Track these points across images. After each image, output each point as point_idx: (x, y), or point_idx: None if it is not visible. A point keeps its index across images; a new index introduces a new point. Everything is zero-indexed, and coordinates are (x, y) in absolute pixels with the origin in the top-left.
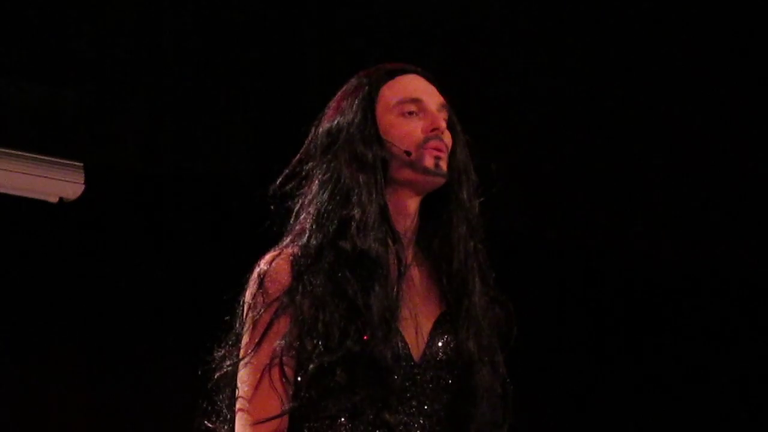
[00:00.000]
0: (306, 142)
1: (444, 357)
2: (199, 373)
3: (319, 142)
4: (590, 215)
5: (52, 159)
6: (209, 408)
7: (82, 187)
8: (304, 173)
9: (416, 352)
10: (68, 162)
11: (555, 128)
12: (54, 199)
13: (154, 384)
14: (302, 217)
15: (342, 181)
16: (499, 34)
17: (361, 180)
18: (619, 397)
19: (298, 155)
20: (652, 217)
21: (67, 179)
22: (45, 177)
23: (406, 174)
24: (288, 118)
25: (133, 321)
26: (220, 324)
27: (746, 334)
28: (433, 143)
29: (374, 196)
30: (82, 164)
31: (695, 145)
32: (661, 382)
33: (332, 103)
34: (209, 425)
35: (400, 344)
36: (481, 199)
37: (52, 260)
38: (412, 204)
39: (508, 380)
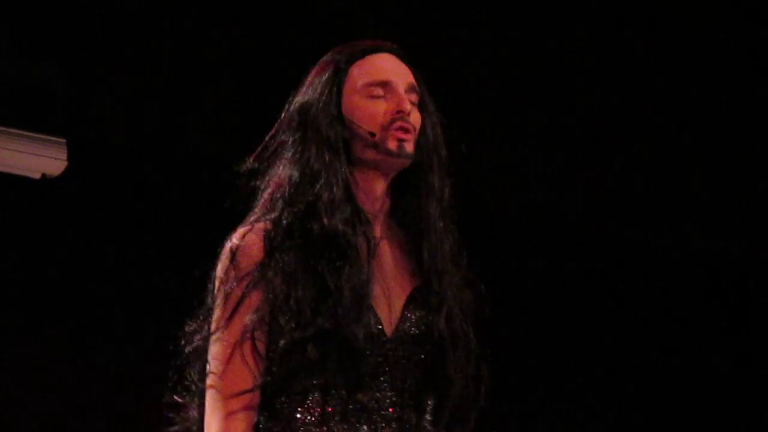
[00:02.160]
0: (281, 115)
1: (416, 332)
2: (170, 348)
3: (289, 118)
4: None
5: (35, 135)
6: (180, 382)
7: (65, 163)
8: (271, 151)
9: (389, 328)
10: (51, 138)
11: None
12: (36, 175)
13: (133, 360)
14: (269, 193)
15: (309, 160)
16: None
17: (326, 160)
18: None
19: (272, 130)
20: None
21: (49, 155)
22: (27, 153)
23: (371, 155)
24: (268, 95)
25: (116, 297)
26: (198, 298)
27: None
28: (397, 124)
29: (340, 177)
30: (64, 140)
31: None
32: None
33: (307, 77)
34: (179, 400)
35: (372, 321)
36: (452, 177)
37: (35, 236)
38: (380, 184)
39: (481, 357)
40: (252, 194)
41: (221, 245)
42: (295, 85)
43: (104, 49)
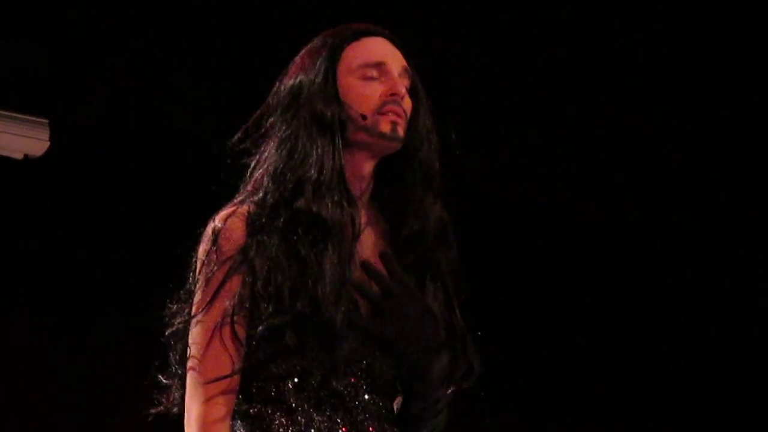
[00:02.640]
0: (268, 98)
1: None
2: (154, 327)
3: (279, 99)
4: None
5: (17, 115)
6: (163, 362)
7: (47, 144)
8: (263, 129)
9: (367, 314)
10: (33, 118)
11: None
12: (19, 156)
13: (116, 340)
14: (258, 173)
15: (300, 140)
16: None
17: (319, 141)
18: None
19: (259, 111)
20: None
21: (32, 136)
22: (10, 133)
23: (362, 137)
24: (253, 76)
25: (97, 276)
26: (181, 279)
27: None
28: (390, 107)
29: (331, 157)
30: (47, 121)
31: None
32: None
33: (295, 61)
34: (163, 380)
35: (351, 307)
36: (443, 163)
37: (17, 216)
38: (368, 167)
39: (467, 336)
40: (238, 174)
41: (204, 226)
42: (281, 64)
43: (87, 30)
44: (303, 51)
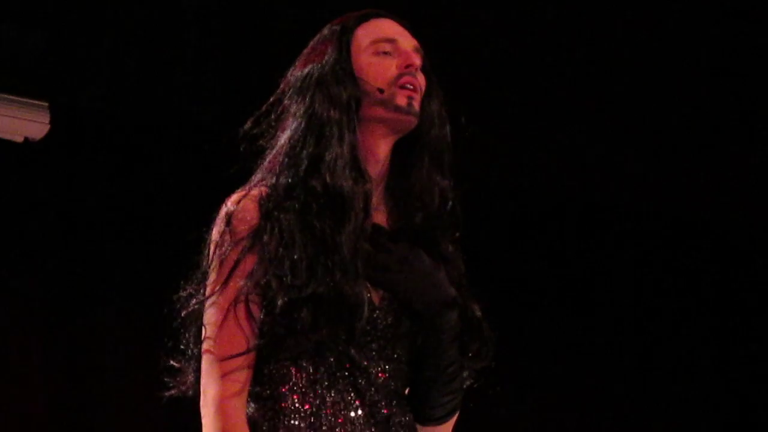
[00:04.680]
0: (280, 86)
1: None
2: (165, 311)
3: (292, 84)
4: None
5: (18, 99)
6: (175, 346)
7: (47, 127)
8: (275, 116)
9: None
10: (33, 102)
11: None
12: (19, 139)
13: (122, 324)
14: (273, 155)
15: (315, 120)
16: None
17: (334, 119)
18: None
19: (272, 97)
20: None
21: (32, 119)
22: (10, 116)
23: (379, 112)
24: (254, 63)
25: (98, 261)
26: (185, 264)
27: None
28: (406, 78)
29: (346, 135)
30: (47, 104)
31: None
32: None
33: (306, 50)
34: (175, 364)
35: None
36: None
37: (17, 199)
38: (384, 146)
39: (482, 320)
40: (245, 159)
41: (204, 211)
42: (283, 49)
43: (87, 13)
44: (312, 41)
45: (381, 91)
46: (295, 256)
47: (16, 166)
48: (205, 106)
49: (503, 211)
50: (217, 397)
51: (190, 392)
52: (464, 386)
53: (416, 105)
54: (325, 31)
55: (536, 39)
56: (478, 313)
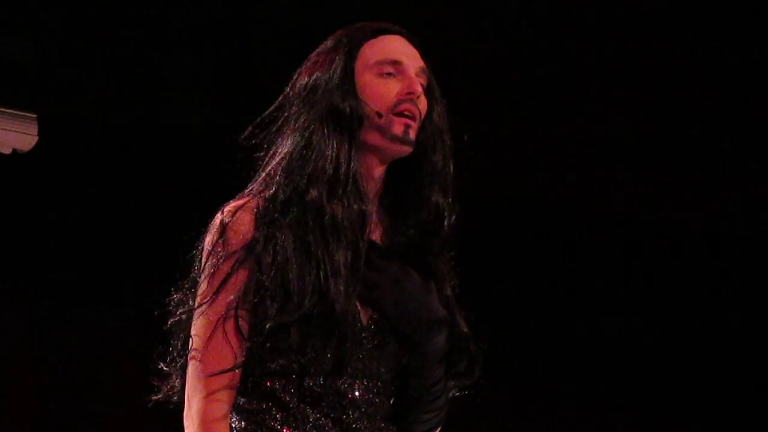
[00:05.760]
0: (282, 95)
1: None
2: (156, 313)
3: (295, 95)
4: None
5: (6, 110)
6: (164, 350)
7: (36, 139)
8: (275, 127)
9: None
10: (22, 113)
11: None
12: (7, 150)
13: (112, 329)
14: (270, 168)
15: (315, 135)
16: None
17: (334, 136)
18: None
19: (273, 106)
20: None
21: (20, 130)
22: None
23: (374, 138)
24: (244, 72)
25: (87, 271)
26: (173, 279)
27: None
28: (405, 106)
29: (346, 153)
30: (35, 115)
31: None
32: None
33: (310, 59)
34: (164, 368)
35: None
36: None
37: (5, 211)
38: (378, 169)
39: (471, 338)
40: (244, 168)
41: (193, 221)
42: (274, 58)
43: (75, 24)
44: (316, 50)
45: (379, 115)
46: (290, 275)
47: (4, 178)
48: (194, 118)
49: (498, 217)
50: (201, 412)
51: (176, 398)
52: (449, 400)
53: (411, 133)
54: (332, 41)
55: (529, 47)
56: (466, 330)
